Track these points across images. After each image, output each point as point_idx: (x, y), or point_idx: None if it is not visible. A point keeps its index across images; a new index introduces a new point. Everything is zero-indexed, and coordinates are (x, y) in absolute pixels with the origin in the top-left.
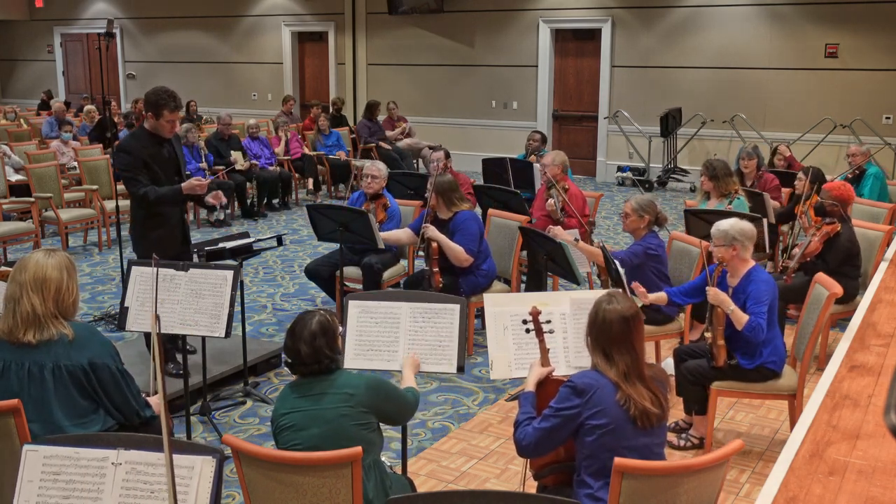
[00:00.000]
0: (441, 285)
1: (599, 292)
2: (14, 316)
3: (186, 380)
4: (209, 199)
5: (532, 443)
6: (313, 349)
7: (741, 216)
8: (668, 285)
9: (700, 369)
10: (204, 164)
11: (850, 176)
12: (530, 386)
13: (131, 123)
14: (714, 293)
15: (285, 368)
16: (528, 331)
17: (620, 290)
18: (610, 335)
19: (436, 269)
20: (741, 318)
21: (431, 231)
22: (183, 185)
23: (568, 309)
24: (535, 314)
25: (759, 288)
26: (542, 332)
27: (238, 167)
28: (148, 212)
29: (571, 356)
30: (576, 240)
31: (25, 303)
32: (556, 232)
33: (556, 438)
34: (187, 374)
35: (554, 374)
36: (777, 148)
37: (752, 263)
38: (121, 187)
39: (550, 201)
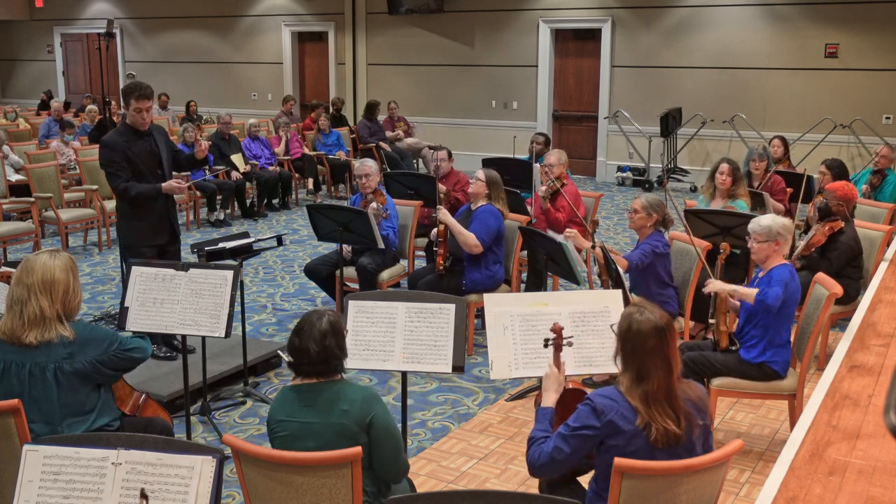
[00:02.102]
0: (442, 268)
1: (599, 293)
2: (20, 317)
3: (186, 380)
4: (198, 151)
5: (547, 462)
6: (323, 348)
7: (743, 216)
8: (672, 286)
9: (701, 359)
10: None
11: (874, 182)
12: (550, 402)
13: None
14: (712, 285)
15: (285, 369)
16: (546, 345)
17: (637, 298)
18: (645, 349)
19: (440, 252)
20: (749, 293)
21: (442, 213)
22: (163, 184)
23: (571, 311)
24: (559, 330)
25: (780, 274)
26: (561, 349)
27: (239, 171)
28: (131, 204)
29: (577, 357)
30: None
31: (33, 305)
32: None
33: (572, 459)
34: (186, 359)
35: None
36: (772, 140)
37: (784, 261)
38: None
39: (543, 188)
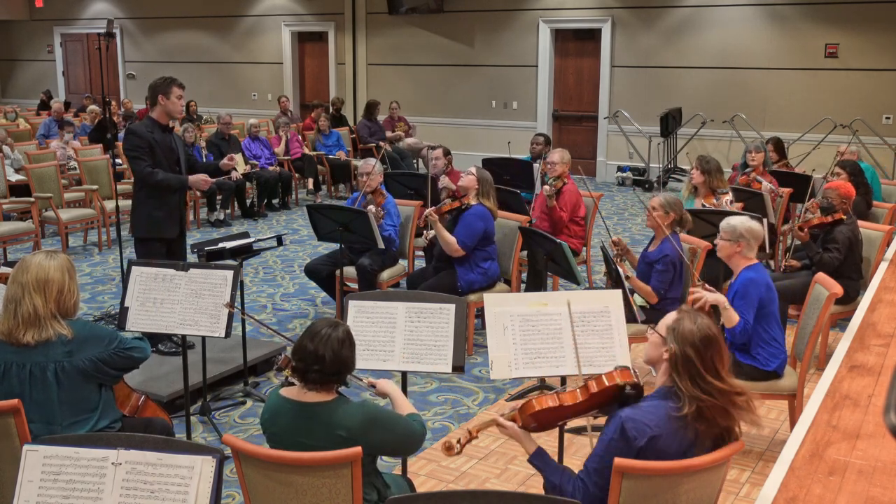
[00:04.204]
0: (424, 225)
1: (599, 293)
2: (15, 317)
3: (186, 380)
4: (224, 162)
5: (592, 492)
6: (340, 359)
7: (743, 216)
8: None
9: None
10: None
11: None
12: (532, 446)
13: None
14: (711, 298)
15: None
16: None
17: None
18: (716, 349)
19: (434, 215)
20: (733, 318)
21: (432, 218)
22: (190, 177)
23: (571, 311)
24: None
25: (744, 287)
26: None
27: (239, 172)
28: (149, 193)
29: (582, 357)
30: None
31: (27, 304)
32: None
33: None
34: (186, 358)
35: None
36: (769, 141)
37: (751, 262)
38: (121, 187)
39: (546, 187)
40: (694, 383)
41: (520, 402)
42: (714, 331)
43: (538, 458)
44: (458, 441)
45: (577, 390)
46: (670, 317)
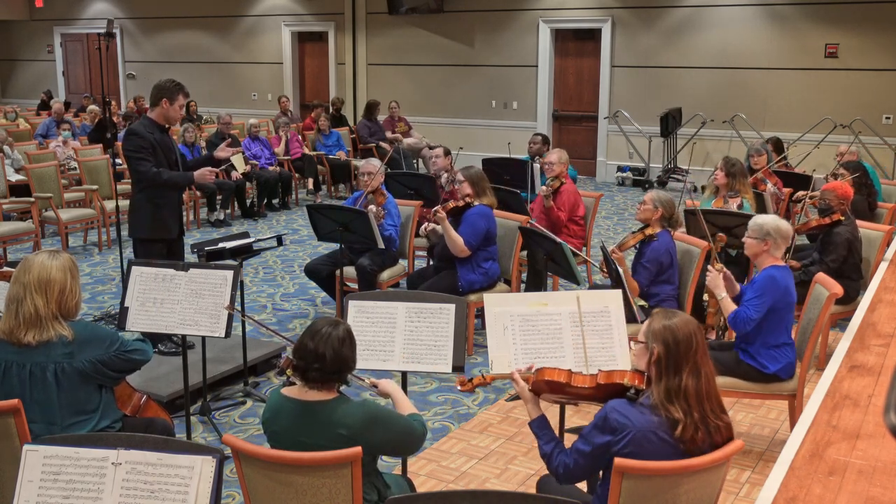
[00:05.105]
0: (434, 220)
1: (599, 293)
2: (16, 317)
3: (186, 380)
4: (219, 153)
5: (572, 469)
6: (340, 357)
7: (743, 216)
8: (670, 283)
9: None
10: None
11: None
12: (535, 412)
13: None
14: (711, 278)
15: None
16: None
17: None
18: (692, 349)
19: (442, 212)
20: (727, 307)
21: (440, 216)
22: (195, 172)
23: (571, 311)
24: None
25: (762, 282)
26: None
27: (239, 171)
28: (151, 193)
29: (576, 357)
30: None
31: (29, 304)
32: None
33: (595, 464)
34: (186, 358)
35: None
36: (769, 141)
37: (778, 262)
38: (121, 187)
39: (544, 187)
40: (658, 378)
41: (535, 367)
42: (690, 329)
43: (538, 425)
44: (471, 380)
45: (588, 376)
46: (646, 322)
